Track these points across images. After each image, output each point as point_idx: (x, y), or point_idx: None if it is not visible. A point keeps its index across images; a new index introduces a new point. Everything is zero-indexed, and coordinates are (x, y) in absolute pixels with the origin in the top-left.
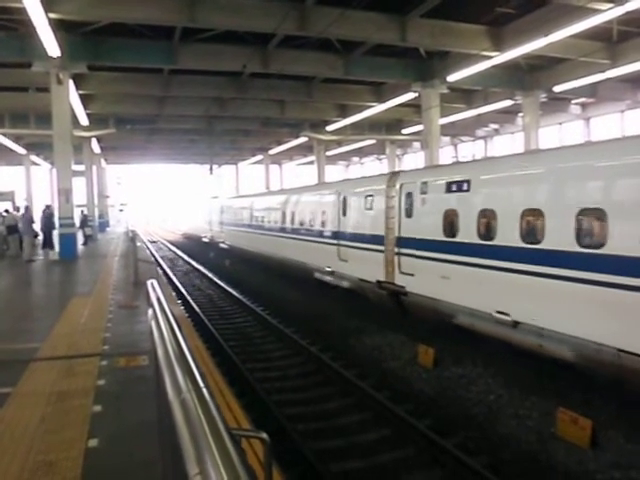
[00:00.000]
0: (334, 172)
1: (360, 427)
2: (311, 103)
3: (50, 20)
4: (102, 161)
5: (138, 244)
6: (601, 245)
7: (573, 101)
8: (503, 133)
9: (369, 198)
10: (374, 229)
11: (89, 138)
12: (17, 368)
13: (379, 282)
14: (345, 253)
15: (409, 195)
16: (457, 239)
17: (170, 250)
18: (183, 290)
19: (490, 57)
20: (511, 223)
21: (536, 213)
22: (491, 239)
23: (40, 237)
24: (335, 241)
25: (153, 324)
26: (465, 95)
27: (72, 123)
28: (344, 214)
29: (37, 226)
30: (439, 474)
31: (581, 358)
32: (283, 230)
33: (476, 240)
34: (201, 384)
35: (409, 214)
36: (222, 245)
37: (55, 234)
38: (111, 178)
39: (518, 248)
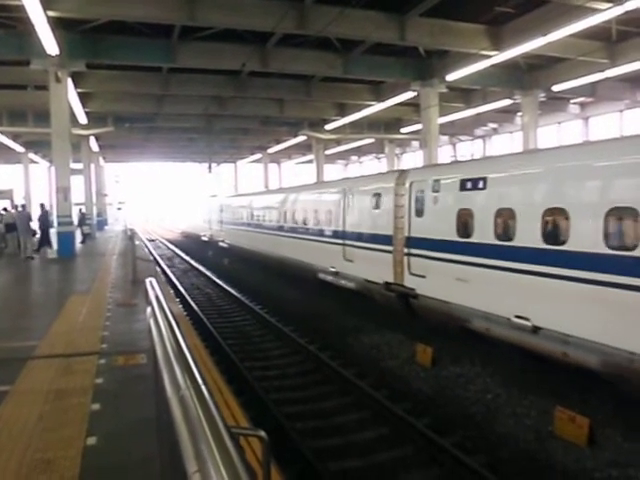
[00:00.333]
0: (333, 171)
1: (358, 426)
2: (310, 102)
3: (49, 18)
4: (100, 159)
5: (136, 242)
6: (634, 247)
7: (572, 100)
8: (502, 132)
9: (376, 197)
10: (382, 229)
11: (87, 136)
12: (15, 366)
13: (387, 283)
14: (351, 253)
15: (420, 193)
16: (472, 240)
17: (169, 249)
18: (182, 289)
19: (489, 56)
20: (532, 223)
21: (560, 212)
22: (509, 240)
23: (37, 235)
24: (340, 241)
25: (151, 322)
26: (464, 94)
27: (70, 121)
28: (350, 213)
29: (35, 224)
30: (437, 473)
31: (611, 367)
32: (286, 229)
33: (493, 241)
34: (200, 381)
35: (419, 213)
36: (222, 244)
37: (51, 232)
38: (109, 176)
39: (539, 249)
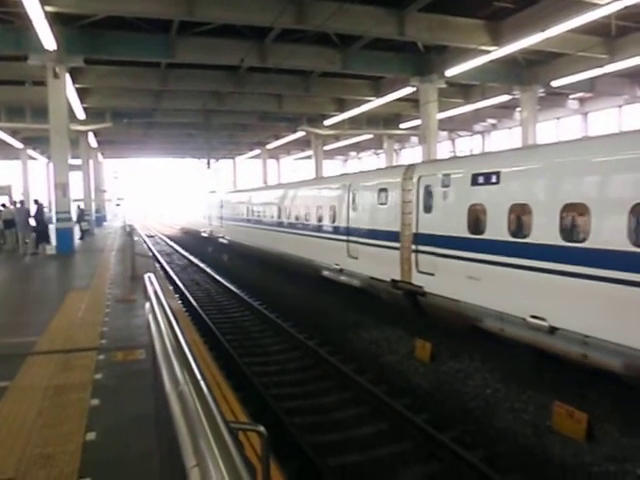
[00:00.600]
0: (332, 167)
1: (357, 421)
2: (309, 97)
3: (46, 13)
4: (99, 155)
5: (135, 238)
6: None
7: (571, 96)
8: (501, 128)
9: (382, 192)
10: (388, 225)
11: (86, 132)
12: (14, 362)
13: (394, 281)
14: (355, 250)
15: (428, 188)
16: (485, 236)
17: (168, 245)
18: (181, 285)
19: (488, 52)
20: (549, 219)
21: (580, 208)
22: (525, 236)
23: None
24: (344, 237)
25: (150, 317)
26: (463, 90)
27: (69, 117)
28: (354, 209)
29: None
30: (436, 468)
31: (634, 370)
32: (288, 225)
33: (507, 237)
34: (198, 376)
35: (428, 209)
36: (222, 240)
37: (48, 228)
38: (108, 172)
39: (557, 247)
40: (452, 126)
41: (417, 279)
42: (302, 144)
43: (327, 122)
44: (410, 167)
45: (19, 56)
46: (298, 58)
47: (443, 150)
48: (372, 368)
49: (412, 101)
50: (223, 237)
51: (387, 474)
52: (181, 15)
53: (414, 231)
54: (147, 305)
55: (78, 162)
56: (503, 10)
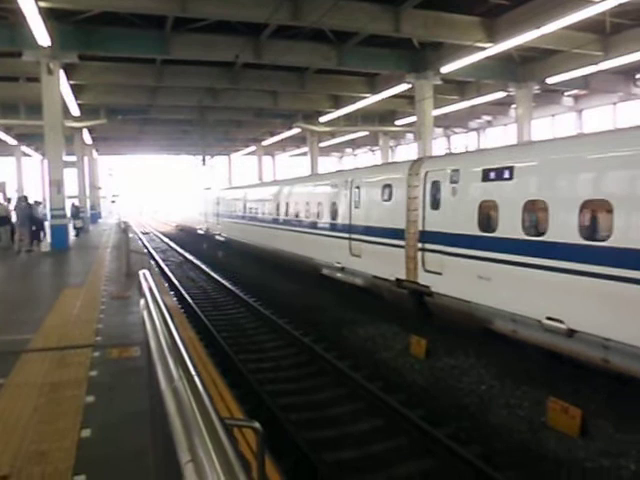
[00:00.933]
0: (327, 163)
1: (353, 417)
2: (304, 94)
3: (40, 9)
4: (94, 152)
5: (130, 235)
6: None
7: (566, 93)
8: (496, 125)
9: (386, 188)
10: (393, 222)
11: (80, 129)
12: (9, 359)
13: (398, 280)
14: (358, 248)
15: (436, 184)
16: (497, 234)
17: (163, 242)
18: (176, 282)
19: (483, 48)
20: (567, 216)
21: (602, 205)
22: (540, 234)
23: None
24: (346, 235)
25: (145, 314)
26: (458, 87)
27: (63, 113)
28: (357, 205)
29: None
30: (431, 464)
31: None
32: (287, 223)
33: (521, 235)
34: (193, 372)
35: (435, 205)
36: (218, 237)
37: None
38: (103, 169)
39: (577, 245)
40: (447, 123)
41: (423, 278)
42: (297, 141)
43: (322, 119)
44: (416, 162)
45: (13, 52)
46: (293, 54)
47: (438, 147)
48: (367, 364)
49: (407, 98)
50: (220, 234)
51: (382, 470)
52: (175, 11)
53: (420, 229)
54: (142, 302)
55: (73, 159)
56: (498, 7)
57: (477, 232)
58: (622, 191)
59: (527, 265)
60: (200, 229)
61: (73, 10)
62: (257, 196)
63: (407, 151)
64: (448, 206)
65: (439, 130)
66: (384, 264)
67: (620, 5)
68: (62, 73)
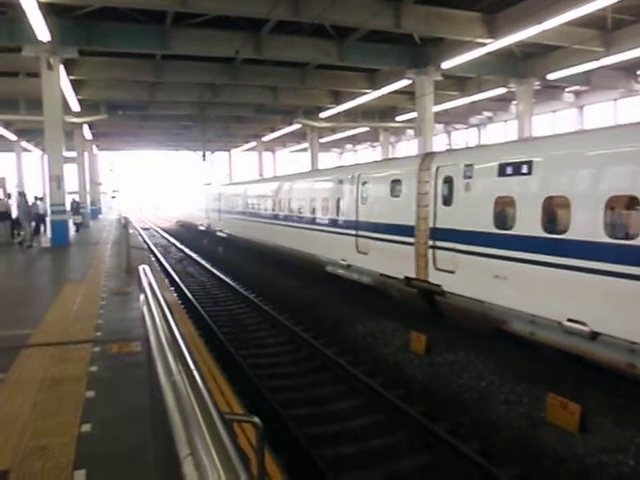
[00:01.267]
0: (328, 159)
1: (353, 413)
2: (304, 90)
3: (40, 4)
4: (94, 147)
5: (130, 231)
6: None
7: (567, 89)
8: (497, 121)
9: (395, 183)
10: (402, 218)
11: (81, 124)
12: (9, 354)
13: (408, 279)
14: (365, 245)
15: (448, 180)
16: (514, 231)
17: (163, 237)
18: (177, 278)
19: (484, 44)
20: (591, 213)
21: (629, 201)
22: (561, 232)
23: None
24: (352, 232)
25: (145, 309)
26: (459, 82)
27: (63, 109)
28: (364, 201)
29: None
30: (431, 459)
31: None
32: (292, 219)
33: (540, 233)
34: (192, 366)
35: (447, 202)
36: (220, 234)
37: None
38: (103, 165)
39: (602, 244)
40: (448, 119)
41: (434, 277)
42: (298, 137)
43: (323, 114)
44: (427, 157)
45: (13, 47)
46: (294, 50)
47: (439, 143)
48: (367, 360)
49: (408, 94)
50: (221, 230)
51: (382, 465)
52: (175, 6)
53: (431, 225)
54: (142, 297)
55: (73, 154)
56: (499, 2)
57: (493, 229)
58: None
59: (547, 264)
60: (201, 225)
61: (73, 5)
62: (261, 192)
63: (407, 147)
64: (461, 202)
65: (440, 126)
66: (392, 262)
67: (621, 1)
68: (62, 68)
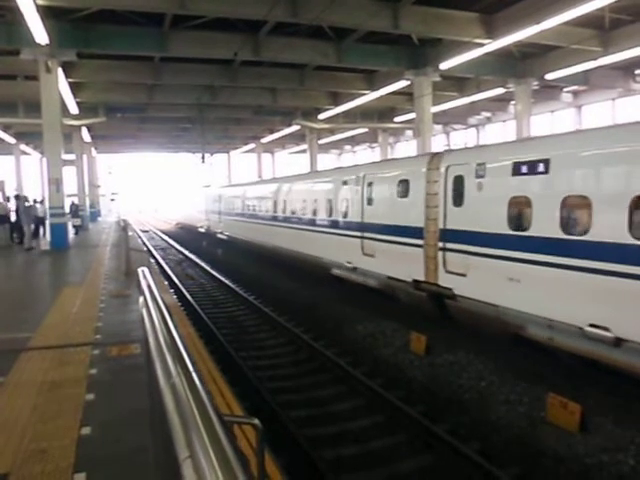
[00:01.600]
0: (327, 161)
1: (353, 414)
2: (303, 91)
3: (38, 7)
4: (93, 150)
5: (130, 233)
6: None
7: (565, 89)
8: (495, 121)
9: (403, 183)
10: (410, 220)
11: (79, 127)
12: (8, 358)
13: (416, 282)
14: (371, 247)
15: (458, 179)
16: (530, 233)
17: (162, 240)
18: (176, 280)
19: (482, 45)
20: (614, 213)
21: None
22: (582, 234)
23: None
24: (358, 233)
25: (144, 312)
26: (457, 83)
27: (62, 112)
28: (370, 202)
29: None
30: (431, 459)
31: None
32: (295, 221)
33: (559, 234)
34: (191, 369)
35: (458, 202)
36: (220, 236)
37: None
38: (102, 167)
39: (627, 246)
40: (447, 119)
41: (445, 280)
42: (297, 138)
43: (322, 116)
44: (436, 156)
45: (11, 50)
46: (292, 51)
47: (438, 143)
48: (367, 361)
49: (407, 94)
50: (221, 232)
51: (382, 466)
52: (174, 9)
53: (441, 227)
54: (141, 299)
55: (72, 157)
56: (497, 3)
57: (507, 230)
58: None
59: (567, 267)
60: (201, 227)
61: (71, 8)
62: (264, 193)
63: (406, 148)
64: (473, 203)
65: (438, 127)
66: (400, 264)
67: (619, 0)
68: (60, 71)
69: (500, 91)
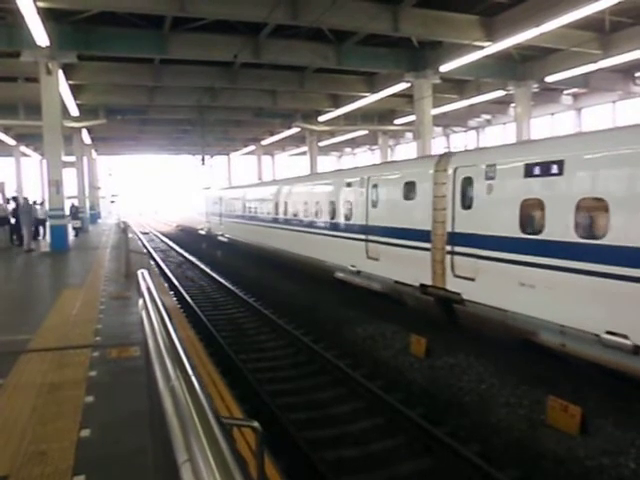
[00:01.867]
0: (327, 163)
1: (353, 416)
2: (303, 93)
3: (39, 9)
4: (93, 152)
5: (130, 236)
6: None
7: (565, 92)
8: (495, 124)
9: (409, 185)
10: (416, 223)
11: (79, 129)
12: (8, 360)
13: (423, 286)
14: (375, 250)
15: (467, 181)
16: (543, 236)
17: (162, 242)
18: (176, 282)
19: (482, 47)
20: (633, 216)
21: None
22: (599, 237)
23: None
24: (362, 236)
25: (143, 314)
26: (457, 85)
27: (62, 114)
28: (374, 205)
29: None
30: (431, 462)
31: None
32: (299, 223)
33: (574, 238)
34: (190, 372)
35: (467, 205)
36: (221, 238)
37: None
38: (102, 169)
39: None
40: (447, 122)
41: (453, 284)
42: (297, 140)
43: (322, 118)
44: (444, 157)
45: (12, 52)
46: (292, 54)
47: (438, 146)
48: (367, 363)
49: (407, 97)
50: (222, 235)
51: (382, 468)
52: (174, 11)
53: (449, 230)
54: (140, 302)
55: (72, 159)
56: (497, 5)
57: (519, 234)
58: None
59: (582, 271)
60: (201, 229)
61: (71, 10)
62: (266, 195)
63: (406, 150)
64: (483, 205)
65: (438, 129)
66: (406, 268)
67: (619, 3)
68: (61, 73)
69: (500, 94)
